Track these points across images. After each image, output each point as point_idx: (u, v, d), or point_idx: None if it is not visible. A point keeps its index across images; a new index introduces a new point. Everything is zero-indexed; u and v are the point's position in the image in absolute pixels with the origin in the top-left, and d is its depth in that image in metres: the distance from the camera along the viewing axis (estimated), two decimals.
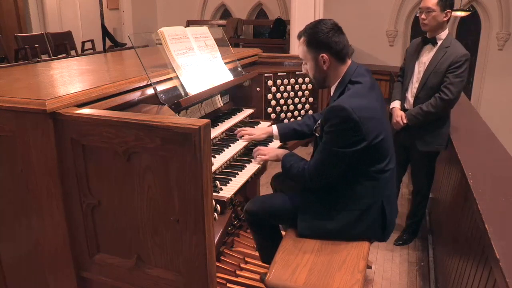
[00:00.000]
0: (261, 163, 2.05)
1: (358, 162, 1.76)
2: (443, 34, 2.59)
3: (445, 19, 2.55)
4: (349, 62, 1.83)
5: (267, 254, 2.07)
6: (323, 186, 1.85)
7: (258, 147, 2.11)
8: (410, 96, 2.74)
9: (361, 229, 1.86)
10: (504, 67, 7.25)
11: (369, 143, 1.71)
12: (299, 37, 1.85)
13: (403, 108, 2.78)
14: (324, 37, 1.75)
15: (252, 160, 2.08)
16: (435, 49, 2.60)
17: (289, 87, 2.79)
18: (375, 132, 1.72)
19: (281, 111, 2.81)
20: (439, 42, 2.59)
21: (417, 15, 2.68)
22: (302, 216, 1.90)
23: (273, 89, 2.75)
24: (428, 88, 2.60)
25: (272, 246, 1.93)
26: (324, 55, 1.78)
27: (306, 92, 2.88)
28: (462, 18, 7.07)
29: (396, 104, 2.80)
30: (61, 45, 6.84)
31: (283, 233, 2.12)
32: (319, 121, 1.92)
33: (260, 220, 2.03)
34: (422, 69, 2.65)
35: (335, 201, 1.86)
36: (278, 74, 2.74)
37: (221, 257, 2.48)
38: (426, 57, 2.64)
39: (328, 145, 1.74)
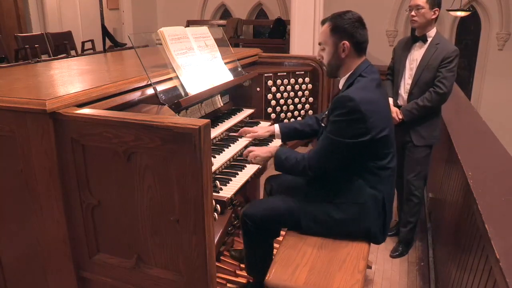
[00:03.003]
0: (255, 161, 2.03)
1: (361, 156, 1.78)
2: (432, 32, 2.68)
3: (434, 16, 2.64)
4: (363, 58, 1.89)
5: (256, 265, 2.05)
6: (323, 180, 1.88)
7: (248, 148, 2.09)
8: (403, 92, 2.79)
9: (363, 224, 1.86)
10: (504, 67, 7.25)
11: (373, 137, 1.73)
12: (323, 22, 1.90)
13: (396, 105, 2.83)
14: (350, 26, 1.81)
15: (247, 162, 2.05)
16: (426, 46, 2.68)
17: (289, 87, 2.80)
18: (379, 126, 1.74)
19: (281, 111, 2.81)
20: (429, 39, 2.68)
21: (407, 12, 2.78)
22: (305, 212, 1.90)
23: (273, 89, 2.75)
24: (421, 84, 2.67)
25: (264, 256, 1.95)
26: (346, 42, 1.82)
27: (306, 92, 2.88)
28: (462, 18, 7.07)
29: (389, 101, 2.84)
30: (61, 45, 6.85)
31: (282, 233, 2.12)
32: (326, 112, 1.94)
33: (258, 224, 1.95)
34: (414, 65, 2.72)
35: (337, 195, 1.87)
36: (278, 74, 2.74)
37: (221, 257, 2.49)
38: (418, 53, 2.71)
39: (332, 134, 1.76)
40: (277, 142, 2.36)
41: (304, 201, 1.93)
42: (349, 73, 1.87)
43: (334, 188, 1.88)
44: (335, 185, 1.88)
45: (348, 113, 1.71)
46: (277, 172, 2.07)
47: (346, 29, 1.81)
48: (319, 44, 1.93)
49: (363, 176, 1.84)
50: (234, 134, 2.34)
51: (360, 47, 1.85)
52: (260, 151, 2.04)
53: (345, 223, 1.86)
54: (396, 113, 2.74)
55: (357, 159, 1.79)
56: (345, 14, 1.84)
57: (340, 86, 1.93)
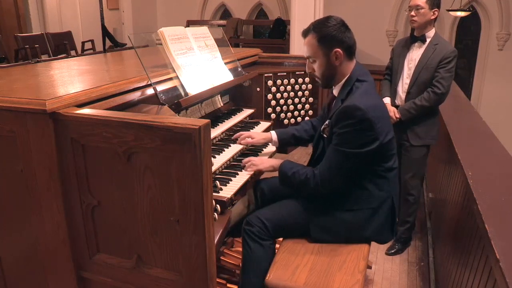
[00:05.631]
0: (252, 173, 1.95)
1: (369, 162, 1.76)
2: (431, 32, 2.70)
3: (433, 17, 2.66)
4: (354, 60, 1.83)
5: (255, 276, 1.81)
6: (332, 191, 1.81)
7: (249, 158, 2.01)
8: (401, 92, 2.81)
9: (374, 227, 1.84)
10: (504, 67, 7.25)
11: (381, 142, 1.71)
12: (305, 34, 1.80)
13: (393, 104, 2.84)
14: (337, 32, 1.74)
15: (243, 170, 1.98)
16: (424, 46, 2.70)
17: (289, 87, 2.79)
18: (385, 131, 1.73)
19: (281, 111, 2.81)
20: (428, 40, 2.70)
21: (406, 13, 2.82)
22: (314, 222, 1.85)
23: (273, 89, 2.75)
24: (419, 83, 2.69)
25: (265, 268, 1.76)
26: (338, 50, 1.75)
27: (306, 92, 2.88)
28: (462, 18, 7.07)
29: (386, 100, 2.87)
30: (61, 45, 6.84)
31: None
32: (327, 122, 1.87)
33: (262, 233, 1.86)
34: (413, 65, 2.73)
35: (347, 202, 1.83)
36: (278, 74, 2.74)
37: (221, 257, 2.48)
38: (416, 54, 2.73)
39: (342, 146, 1.70)
40: (271, 147, 2.31)
41: (310, 210, 1.86)
42: (345, 79, 1.81)
43: (343, 196, 1.83)
44: (345, 193, 1.83)
45: (357, 122, 1.66)
46: (270, 175, 2.02)
47: (335, 36, 1.73)
48: (308, 58, 1.83)
49: (372, 181, 1.81)
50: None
51: (350, 51, 1.78)
52: (262, 164, 1.95)
53: (356, 229, 1.84)
54: (393, 113, 2.76)
55: (366, 165, 1.76)
56: (328, 21, 1.76)
57: (336, 93, 1.87)
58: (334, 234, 1.85)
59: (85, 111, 1.37)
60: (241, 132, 2.24)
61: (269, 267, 1.76)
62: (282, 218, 1.88)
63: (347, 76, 1.81)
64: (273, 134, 2.22)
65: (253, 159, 2.00)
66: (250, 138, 2.19)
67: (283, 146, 2.32)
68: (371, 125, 1.66)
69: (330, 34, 1.74)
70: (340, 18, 1.79)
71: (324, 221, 1.85)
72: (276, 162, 1.95)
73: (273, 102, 2.76)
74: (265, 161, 1.98)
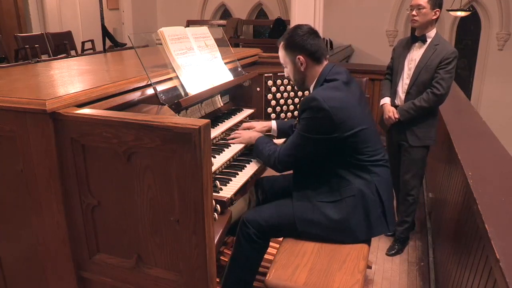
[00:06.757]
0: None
1: (339, 152, 1.83)
2: (432, 32, 2.69)
3: (434, 17, 2.65)
4: (325, 63, 1.94)
5: (241, 280, 1.95)
6: (310, 181, 1.91)
7: (237, 131, 2.24)
8: (401, 92, 2.80)
9: (361, 217, 1.84)
10: (504, 67, 7.26)
11: (342, 134, 1.77)
12: (278, 43, 1.97)
13: (393, 104, 2.84)
14: (300, 40, 1.88)
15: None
16: (425, 47, 2.69)
17: (289, 87, 2.80)
18: (349, 123, 1.77)
19: (281, 111, 2.81)
20: (429, 40, 2.69)
21: (408, 12, 2.82)
22: (300, 216, 1.88)
23: (273, 89, 2.75)
24: (419, 84, 2.69)
25: (253, 264, 1.94)
26: (300, 56, 1.89)
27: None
28: (462, 18, 7.07)
29: (386, 100, 2.87)
30: (61, 45, 6.85)
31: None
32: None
33: (258, 235, 1.90)
34: (413, 65, 2.73)
35: (327, 193, 1.88)
36: (278, 74, 2.74)
37: (221, 257, 2.49)
38: (416, 54, 2.73)
39: (300, 131, 1.84)
40: (279, 141, 2.34)
41: (296, 207, 1.91)
42: (315, 81, 1.94)
43: (322, 187, 1.89)
44: (323, 184, 1.89)
45: (313, 112, 1.77)
46: (271, 173, 2.10)
47: (297, 44, 1.88)
48: (282, 64, 2.01)
49: (348, 169, 1.86)
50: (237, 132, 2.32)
51: (315, 56, 1.90)
52: (242, 136, 2.18)
53: (342, 220, 1.85)
54: (392, 113, 2.76)
55: (336, 155, 1.83)
56: (295, 30, 1.92)
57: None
58: (320, 228, 1.87)
59: (85, 111, 1.37)
60: (244, 123, 2.43)
61: (257, 265, 1.93)
62: (279, 219, 1.92)
63: (316, 79, 1.93)
64: (273, 123, 2.39)
65: (239, 131, 2.25)
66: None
67: (282, 136, 2.40)
68: (327, 115, 1.74)
69: (293, 42, 1.90)
70: (307, 27, 1.93)
71: (308, 216, 1.88)
72: (255, 135, 2.16)
73: (273, 102, 2.77)
74: (246, 134, 2.21)
